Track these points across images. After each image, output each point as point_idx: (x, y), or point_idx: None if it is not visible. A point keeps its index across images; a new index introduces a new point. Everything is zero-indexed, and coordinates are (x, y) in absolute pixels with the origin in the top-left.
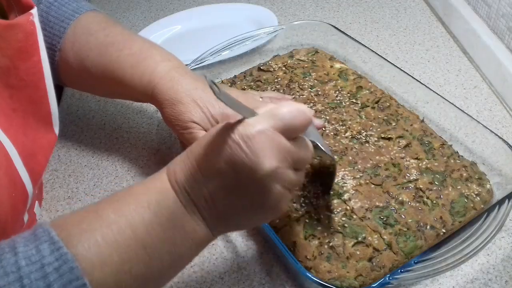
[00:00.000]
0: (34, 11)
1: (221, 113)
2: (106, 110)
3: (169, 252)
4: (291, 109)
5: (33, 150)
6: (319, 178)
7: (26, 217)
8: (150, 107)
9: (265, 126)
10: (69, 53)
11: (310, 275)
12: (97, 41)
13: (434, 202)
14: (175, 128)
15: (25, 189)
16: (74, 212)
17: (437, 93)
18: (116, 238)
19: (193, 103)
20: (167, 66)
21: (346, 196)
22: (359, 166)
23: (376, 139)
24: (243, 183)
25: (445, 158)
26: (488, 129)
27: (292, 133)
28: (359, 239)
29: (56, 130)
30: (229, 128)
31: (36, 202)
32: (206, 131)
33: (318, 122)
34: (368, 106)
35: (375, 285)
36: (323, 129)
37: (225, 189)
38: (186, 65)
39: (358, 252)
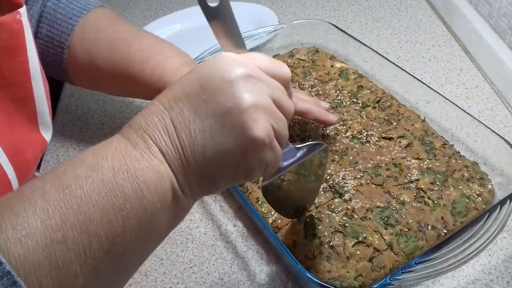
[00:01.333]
0: (22, 10)
1: None
2: (105, 110)
3: (120, 215)
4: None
5: (21, 146)
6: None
7: None
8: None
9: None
10: (78, 50)
11: (309, 275)
12: (106, 37)
13: (436, 202)
14: None
15: (9, 184)
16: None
17: (438, 93)
18: (35, 200)
19: None
20: (177, 62)
21: (347, 196)
22: (360, 166)
23: (377, 139)
24: (211, 94)
25: (446, 158)
26: (490, 128)
27: (266, 70)
28: (360, 239)
29: (45, 132)
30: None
31: None
32: None
33: (332, 117)
34: (369, 105)
35: (376, 286)
36: (324, 129)
37: (190, 109)
38: None
39: (358, 252)
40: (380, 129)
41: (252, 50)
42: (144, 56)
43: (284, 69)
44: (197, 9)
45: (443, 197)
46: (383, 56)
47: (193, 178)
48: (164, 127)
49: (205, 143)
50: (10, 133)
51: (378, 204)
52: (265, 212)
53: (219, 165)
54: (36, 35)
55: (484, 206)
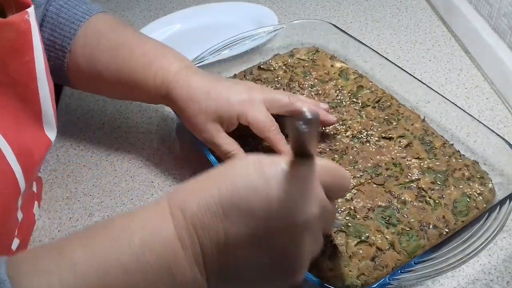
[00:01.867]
0: (31, 10)
1: (239, 101)
2: (105, 110)
3: None
4: (345, 173)
5: (28, 146)
6: None
7: (20, 215)
8: (149, 107)
9: (315, 173)
10: (79, 55)
11: (310, 274)
12: (108, 43)
13: (437, 201)
14: (192, 129)
15: (17, 185)
16: (38, 247)
17: (438, 93)
18: (76, 282)
19: (206, 98)
20: (178, 66)
21: (348, 196)
22: (360, 166)
23: (376, 138)
24: (274, 229)
25: (446, 157)
26: (490, 128)
27: (333, 195)
28: (363, 238)
29: (49, 132)
30: (271, 162)
31: (36, 202)
32: (222, 128)
33: (332, 117)
34: (369, 105)
35: (375, 285)
36: (323, 128)
37: (249, 234)
38: None
39: (361, 251)
40: (380, 128)
41: (252, 50)
42: (146, 62)
43: (346, 184)
44: (197, 9)
45: (444, 196)
46: (383, 56)
47: None
48: (216, 240)
49: (246, 271)
50: (18, 133)
51: (379, 203)
52: None
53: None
54: None
55: (485, 205)
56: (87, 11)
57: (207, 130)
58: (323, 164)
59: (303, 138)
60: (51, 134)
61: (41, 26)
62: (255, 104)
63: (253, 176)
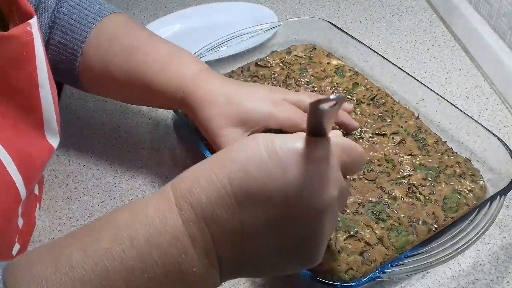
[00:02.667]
0: (33, 20)
1: (263, 105)
2: (105, 110)
3: None
4: (360, 150)
5: (29, 154)
6: None
7: (21, 222)
8: (149, 107)
9: (332, 153)
10: (92, 58)
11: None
12: (121, 45)
13: (427, 198)
14: (206, 132)
15: (18, 195)
16: (35, 250)
17: (437, 93)
18: (75, 287)
19: (226, 103)
20: (195, 69)
21: None
22: None
23: (370, 135)
24: (293, 215)
25: (439, 154)
26: (481, 124)
27: (348, 172)
28: (351, 233)
29: (52, 140)
30: (284, 142)
31: (37, 204)
32: (247, 132)
33: (356, 122)
34: (364, 102)
35: (365, 279)
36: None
37: (268, 221)
38: None
39: (349, 246)
40: (374, 125)
41: (252, 49)
42: (161, 65)
43: (361, 160)
44: (197, 9)
45: (434, 192)
46: (383, 56)
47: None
48: (231, 232)
49: (266, 258)
50: (19, 142)
51: (370, 199)
52: None
53: (264, 274)
54: (48, 42)
55: (475, 202)
56: (99, 12)
57: (223, 135)
58: (337, 142)
59: (321, 117)
60: (54, 141)
61: (51, 28)
62: (280, 103)
63: (266, 160)
